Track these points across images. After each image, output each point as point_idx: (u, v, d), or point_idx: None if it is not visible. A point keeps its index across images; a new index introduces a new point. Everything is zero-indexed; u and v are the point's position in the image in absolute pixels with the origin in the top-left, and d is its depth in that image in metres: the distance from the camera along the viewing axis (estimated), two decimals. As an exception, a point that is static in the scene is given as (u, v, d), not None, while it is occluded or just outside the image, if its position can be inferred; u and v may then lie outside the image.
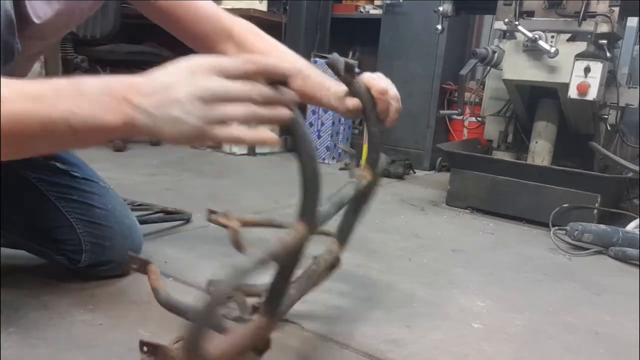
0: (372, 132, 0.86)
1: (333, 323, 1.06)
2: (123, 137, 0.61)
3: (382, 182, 0.93)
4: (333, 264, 0.95)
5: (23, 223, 1.12)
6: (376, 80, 0.86)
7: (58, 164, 1.12)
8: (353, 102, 0.88)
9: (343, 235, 0.95)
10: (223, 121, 0.57)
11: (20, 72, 0.99)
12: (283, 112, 0.60)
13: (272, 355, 0.92)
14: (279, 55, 1.04)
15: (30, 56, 1.01)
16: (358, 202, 0.91)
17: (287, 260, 0.65)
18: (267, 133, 0.59)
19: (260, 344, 0.73)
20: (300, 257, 0.66)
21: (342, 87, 0.93)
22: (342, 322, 1.08)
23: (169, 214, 1.67)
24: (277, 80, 0.60)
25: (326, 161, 3.15)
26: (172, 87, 0.57)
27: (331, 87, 0.96)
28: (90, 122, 0.57)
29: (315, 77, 0.99)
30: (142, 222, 1.42)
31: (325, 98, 0.96)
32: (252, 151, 3.21)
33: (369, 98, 0.84)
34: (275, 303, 0.69)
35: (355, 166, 0.93)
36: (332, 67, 0.77)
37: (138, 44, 3.35)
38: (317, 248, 0.91)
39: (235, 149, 3.17)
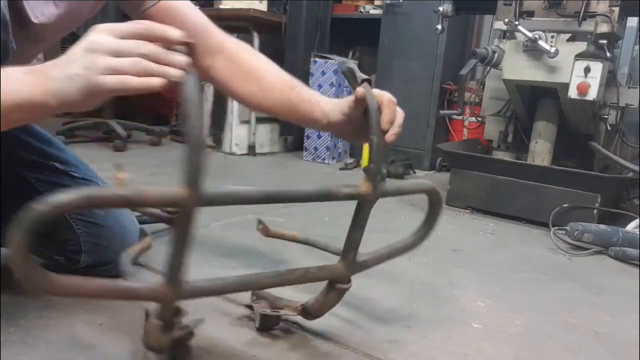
0: (373, 141, 0.79)
1: (333, 323, 1.06)
2: (56, 111, 0.67)
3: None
4: (331, 280, 0.87)
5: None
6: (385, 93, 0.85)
7: (57, 164, 1.12)
8: (358, 92, 0.82)
9: (347, 252, 0.86)
10: (111, 72, 0.63)
11: None
12: (172, 70, 0.64)
13: (272, 356, 0.92)
14: (271, 71, 1.00)
15: (29, 57, 1.01)
16: (357, 217, 0.83)
17: (178, 225, 0.66)
18: (153, 79, 0.64)
19: (165, 313, 0.73)
20: (188, 222, 0.66)
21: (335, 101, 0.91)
22: (342, 322, 1.08)
23: (169, 214, 1.67)
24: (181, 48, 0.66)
25: (326, 161, 3.15)
26: (73, 51, 0.65)
27: (322, 99, 0.94)
28: (17, 99, 0.64)
29: (307, 91, 0.96)
30: (141, 222, 1.42)
31: (316, 105, 0.92)
32: (252, 151, 3.21)
33: (376, 104, 0.80)
34: (173, 269, 0.68)
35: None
36: (345, 73, 0.80)
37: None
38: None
39: (236, 149, 3.17)
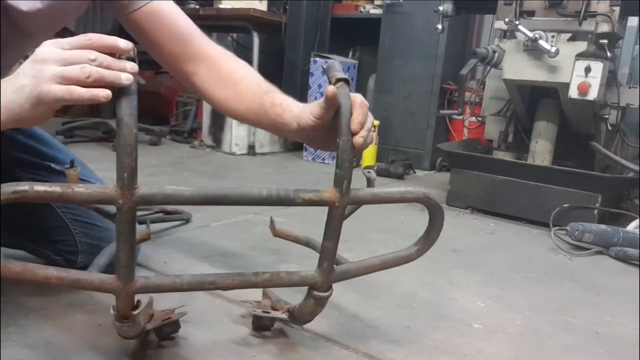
0: (340, 143, 0.72)
1: (333, 323, 1.05)
2: (7, 127, 0.69)
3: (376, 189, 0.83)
4: (310, 288, 0.84)
5: (21, 224, 1.12)
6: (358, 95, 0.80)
7: (53, 165, 1.11)
8: (328, 91, 0.75)
9: (322, 261, 0.80)
10: (60, 79, 0.64)
11: (6, 69, 1.00)
12: (123, 74, 0.65)
13: (272, 356, 0.92)
14: (249, 77, 0.98)
15: (17, 56, 1.01)
16: (327, 224, 0.77)
17: (118, 222, 0.68)
18: (101, 90, 0.64)
19: (119, 305, 0.75)
20: (126, 220, 0.67)
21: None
22: (342, 322, 1.07)
23: (169, 214, 1.67)
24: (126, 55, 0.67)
25: (326, 161, 3.14)
26: (22, 66, 0.66)
27: (294, 103, 0.90)
28: None
29: (280, 95, 0.93)
30: (141, 222, 1.42)
31: (287, 108, 0.89)
32: (252, 151, 3.21)
33: (348, 104, 0.73)
34: (121, 264, 0.70)
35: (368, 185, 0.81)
36: (326, 70, 0.76)
37: (138, 43, 3.35)
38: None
39: (235, 149, 3.17)
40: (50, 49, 0.66)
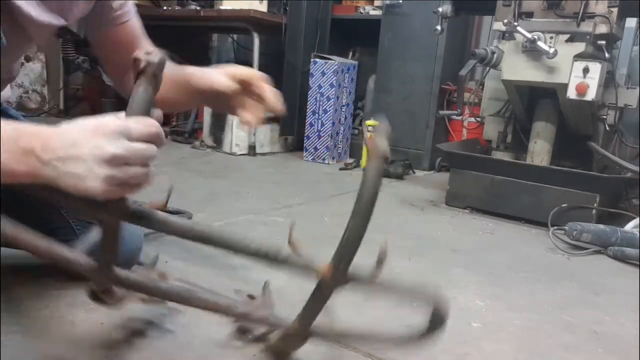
0: (354, 222, 0.66)
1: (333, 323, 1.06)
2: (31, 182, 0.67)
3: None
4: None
5: (24, 224, 1.12)
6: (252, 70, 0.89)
7: None
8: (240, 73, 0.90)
9: (302, 320, 0.78)
10: (113, 183, 0.60)
11: (7, 68, 1.01)
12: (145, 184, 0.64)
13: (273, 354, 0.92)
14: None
15: (19, 54, 1.02)
16: (315, 293, 0.73)
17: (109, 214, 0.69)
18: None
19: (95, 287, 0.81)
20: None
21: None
22: (342, 320, 1.08)
23: (170, 214, 1.67)
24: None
25: (326, 161, 3.15)
26: (77, 144, 0.60)
27: (198, 68, 0.97)
28: (6, 176, 0.62)
29: (189, 67, 0.99)
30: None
31: (194, 72, 0.96)
32: (252, 151, 3.21)
33: (375, 181, 0.67)
34: (103, 252, 0.73)
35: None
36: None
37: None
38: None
39: (236, 149, 3.18)
40: (119, 146, 0.60)
